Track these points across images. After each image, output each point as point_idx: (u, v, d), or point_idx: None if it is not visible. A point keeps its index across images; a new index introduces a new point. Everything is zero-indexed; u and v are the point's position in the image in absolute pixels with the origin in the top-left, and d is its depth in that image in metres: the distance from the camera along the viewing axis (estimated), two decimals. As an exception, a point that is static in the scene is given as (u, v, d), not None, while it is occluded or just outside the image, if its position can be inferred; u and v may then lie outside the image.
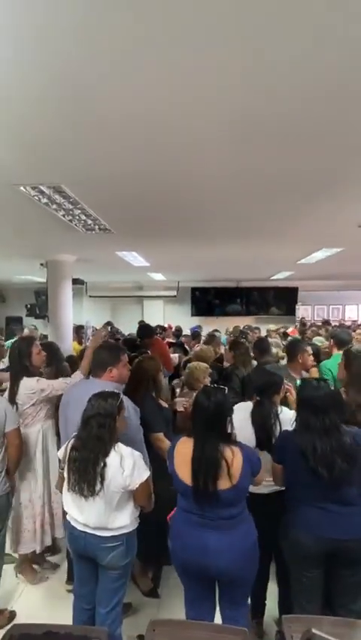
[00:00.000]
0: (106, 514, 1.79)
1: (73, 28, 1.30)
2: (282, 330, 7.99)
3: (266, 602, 2.29)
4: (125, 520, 1.81)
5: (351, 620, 1.53)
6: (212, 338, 5.95)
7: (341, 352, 3.40)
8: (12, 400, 2.62)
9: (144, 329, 5.10)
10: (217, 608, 1.93)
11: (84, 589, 1.96)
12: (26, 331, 6.60)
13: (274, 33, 1.32)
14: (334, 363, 3.30)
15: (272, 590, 2.27)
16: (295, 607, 1.90)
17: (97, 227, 4.09)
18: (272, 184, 2.91)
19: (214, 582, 1.85)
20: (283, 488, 2.01)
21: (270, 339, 5.48)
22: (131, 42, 1.37)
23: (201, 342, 6.21)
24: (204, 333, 7.59)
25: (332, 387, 3.23)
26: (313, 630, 1.29)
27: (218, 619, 1.93)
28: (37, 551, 2.71)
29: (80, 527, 1.84)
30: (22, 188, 2.87)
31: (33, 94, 1.70)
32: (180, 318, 10.63)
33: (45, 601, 2.60)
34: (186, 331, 8.69)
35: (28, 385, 2.63)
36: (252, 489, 1.91)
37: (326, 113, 1.85)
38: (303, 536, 1.84)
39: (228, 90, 1.66)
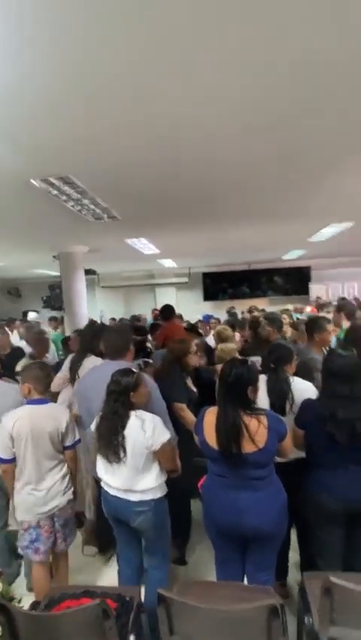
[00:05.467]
0: (133, 476, 1.93)
1: (82, 29, 1.34)
2: (289, 309, 7.90)
3: (288, 564, 2.39)
4: (151, 482, 1.94)
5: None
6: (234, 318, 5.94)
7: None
8: (74, 376, 2.83)
9: (164, 311, 5.21)
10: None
11: (125, 549, 2.13)
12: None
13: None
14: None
15: (292, 555, 2.37)
16: (319, 561, 2.00)
17: (105, 215, 4.15)
18: (278, 161, 2.91)
19: (244, 545, 1.94)
20: (303, 455, 2.09)
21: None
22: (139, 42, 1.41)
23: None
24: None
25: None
26: (331, 578, 1.37)
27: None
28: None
29: (112, 492, 1.99)
30: (32, 181, 2.94)
31: (42, 89, 1.76)
32: (192, 304, 10.68)
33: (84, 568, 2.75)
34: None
35: (96, 363, 2.78)
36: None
37: (330, 86, 1.85)
38: (325, 498, 1.93)
39: (228, 69, 1.68)
